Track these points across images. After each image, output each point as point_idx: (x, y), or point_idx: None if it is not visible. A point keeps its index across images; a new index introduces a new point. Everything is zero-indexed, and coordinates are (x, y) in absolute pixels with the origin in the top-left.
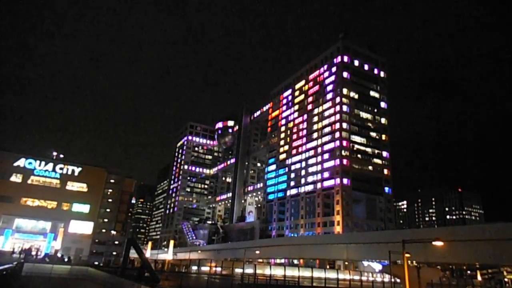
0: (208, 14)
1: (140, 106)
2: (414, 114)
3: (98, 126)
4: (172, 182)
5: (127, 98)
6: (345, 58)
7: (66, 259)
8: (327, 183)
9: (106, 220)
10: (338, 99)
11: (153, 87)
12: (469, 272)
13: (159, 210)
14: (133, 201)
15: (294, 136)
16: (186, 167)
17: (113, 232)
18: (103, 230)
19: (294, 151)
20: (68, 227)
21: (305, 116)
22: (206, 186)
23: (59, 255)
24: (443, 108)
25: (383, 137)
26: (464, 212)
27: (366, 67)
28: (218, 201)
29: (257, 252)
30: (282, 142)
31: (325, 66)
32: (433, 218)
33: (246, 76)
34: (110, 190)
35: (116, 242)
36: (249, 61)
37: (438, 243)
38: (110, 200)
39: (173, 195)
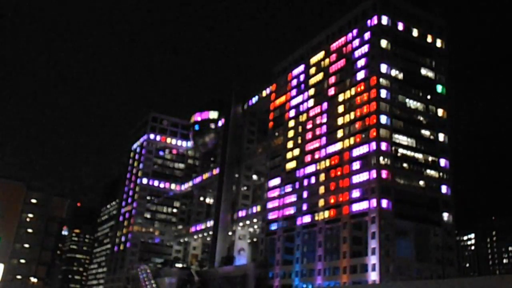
0: None
1: (79, 90)
2: (487, 105)
3: (16, 121)
4: (123, 203)
5: (59, 77)
6: (384, 19)
7: None
8: (357, 207)
9: (23, 261)
10: (373, 80)
11: (100, 62)
12: None
13: (103, 247)
14: (65, 232)
15: (309, 135)
16: (145, 181)
17: (34, 280)
18: (18, 277)
19: (308, 158)
20: None
21: (325, 105)
22: (175, 211)
23: None
24: None
25: (441, 137)
26: None
27: (415, 32)
28: (193, 233)
29: None
30: (290, 144)
31: (354, 31)
32: None
33: (237, 44)
34: (30, 216)
35: None
36: (241, 23)
37: None
38: (29, 230)
39: (125, 223)
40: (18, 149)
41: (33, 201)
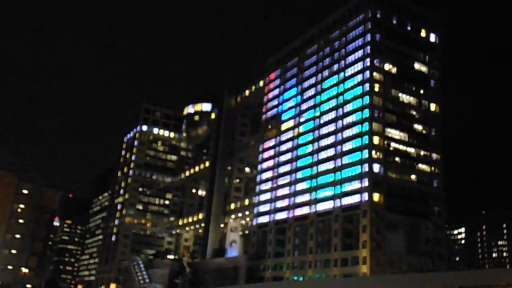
0: None
1: (72, 81)
2: (478, 101)
3: (6, 112)
4: (115, 195)
5: (51, 68)
6: (378, 13)
7: None
8: (348, 200)
9: (14, 251)
10: (367, 74)
11: (93, 52)
12: None
13: (94, 238)
14: (56, 223)
15: (301, 128)
16: (137, 172)
17: (25, 270)
18: (9, 267)
19: (301, 151)
20: None
21: (318, 99)
22: (167, 203)
23: None
24: None
25: (433, 131)
26: None
27: (409, 27)
28: (185, 225)
29: None
30: (283, 137)
31: (348, 25)
32: (504, 254)
33: (230, 37)
34: (22, 206)
35: (29, 286)
36: (235, 15)
37: None
38: (21, 221)
39: (117, 214)
40: (10, 139)
41: (25, 191)
